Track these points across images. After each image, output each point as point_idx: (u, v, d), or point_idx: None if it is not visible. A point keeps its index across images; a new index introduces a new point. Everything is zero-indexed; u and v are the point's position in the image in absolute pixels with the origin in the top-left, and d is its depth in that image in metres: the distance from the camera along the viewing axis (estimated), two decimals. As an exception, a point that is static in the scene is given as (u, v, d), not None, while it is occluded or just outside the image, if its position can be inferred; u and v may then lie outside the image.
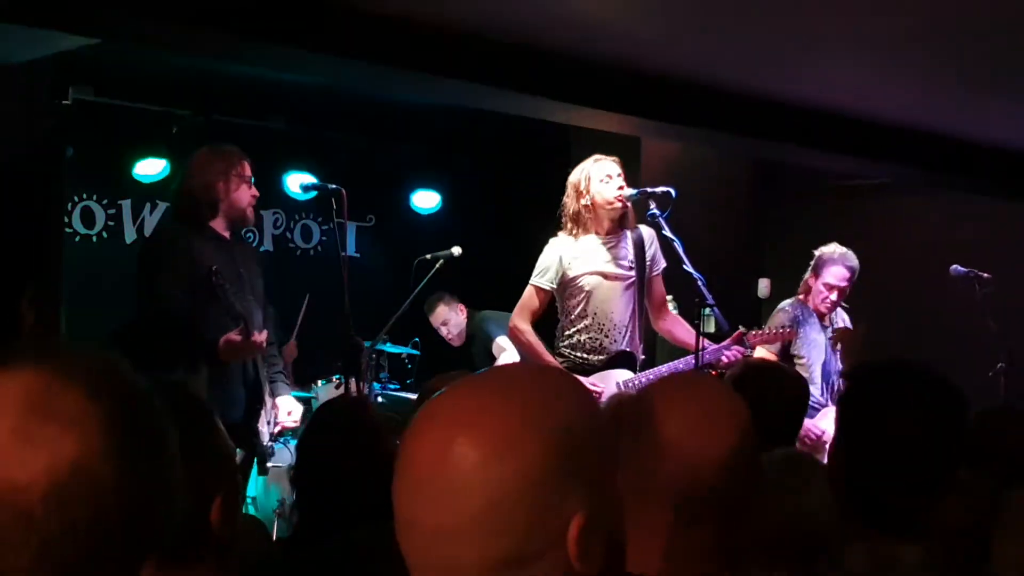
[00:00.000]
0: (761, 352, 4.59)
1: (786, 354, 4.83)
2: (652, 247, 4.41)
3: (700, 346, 4.06)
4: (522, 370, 1.07)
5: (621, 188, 4.25)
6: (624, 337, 4.35)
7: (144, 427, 0.88)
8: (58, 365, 0.87)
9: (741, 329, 4.27)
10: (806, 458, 2.16)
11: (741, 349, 4.24)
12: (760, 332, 4.40)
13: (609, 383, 4.23)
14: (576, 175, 4.32)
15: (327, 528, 2.08)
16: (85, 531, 0.83)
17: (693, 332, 4.14)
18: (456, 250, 5.52)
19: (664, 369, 4.36)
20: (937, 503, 1.64)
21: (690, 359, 4.16)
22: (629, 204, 4.29)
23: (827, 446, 4.57)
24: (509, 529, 0.93)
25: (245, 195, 3.94)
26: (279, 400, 4.04)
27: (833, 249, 4.88)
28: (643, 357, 4.51)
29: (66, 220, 5.95)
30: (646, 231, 4.41)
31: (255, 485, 4.60)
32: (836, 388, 4.96)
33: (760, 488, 1.51)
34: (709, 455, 1.39)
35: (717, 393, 1.50)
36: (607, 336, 4.31)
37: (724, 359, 4.22)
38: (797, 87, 4.36)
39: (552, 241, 4.38)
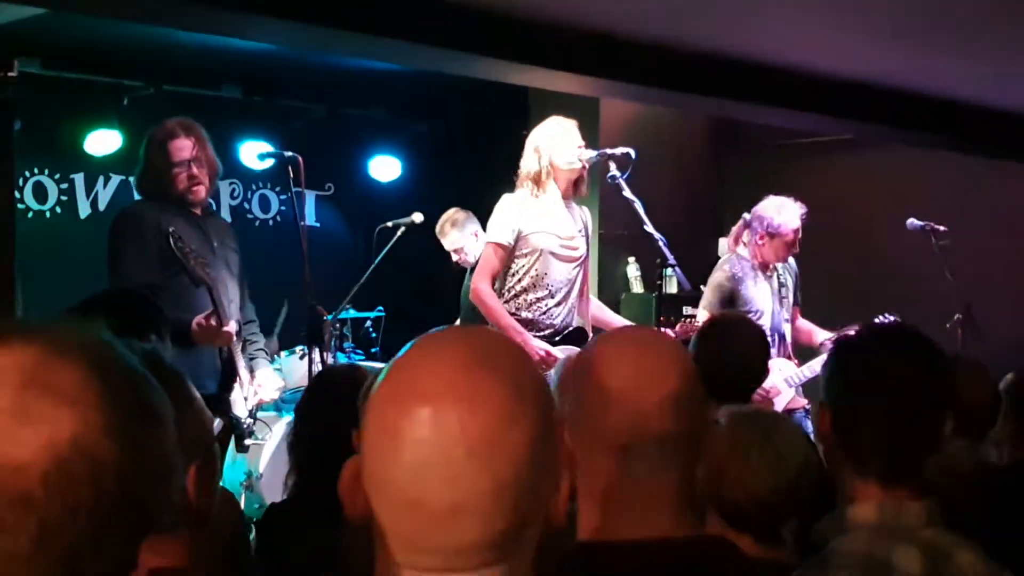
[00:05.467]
0: None
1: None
2: (590, 229, 4.46)
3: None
4: (487, 337, 1.06)
5: (581, 148, 4.24)
6: (570, 306, 4.33)
7: (142, 404, 0.86)
8: (52, 342, 0.83)
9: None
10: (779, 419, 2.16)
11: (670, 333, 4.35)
12: (684, 322, 4.77)
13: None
14: (537, 135, 4.29)
15: (324, 492, 2.07)
16: (86, 512, 0.79)
17: (612, 313, 4.64)
18: (417, 217, 5.50)
19: None
20: (929, 458, 1.67)
21: None
22: (587, 167, 4.28)
23: (776, 400, 4.74)
24: (516, 502, 0.95)
25: (179, 179, 3.88)
26: (259, 373, 4.05)
27: (781, 205, 4.97)
28: (592, 335, 4.52)
29: (18, 196, 5.86)
30: (587, 212, 4.44)
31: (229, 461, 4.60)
32: (785, 340, 5.04)
33: (709, 435, 1.52)
34: (652, 400, 1.39)
35: (656, 341, 1.51)
36: (553, 298, 4.27)
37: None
38: (756, 44, 4.35)
39: (508, 196, 4.31)
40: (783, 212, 4.95)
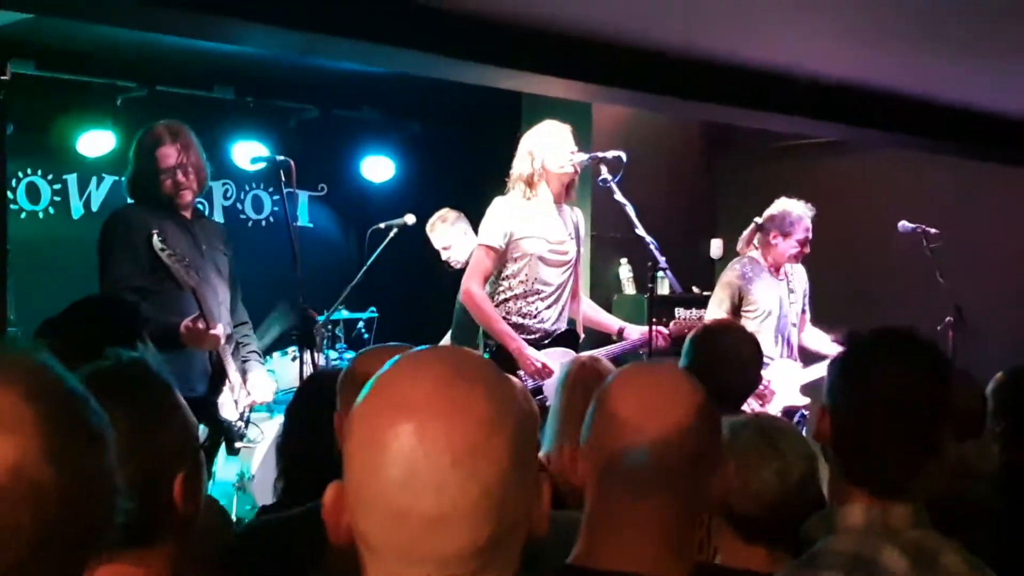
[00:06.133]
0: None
1: (737, 311, 4.96)
2: (582, 231, 4.47)
3: (651, 323, 4.21)
4: (464, 354, 1.09)
5: (573, 153, 4.25)
6: (560, 309, 4.34)
7: (81, 426, 0.86)
8: None
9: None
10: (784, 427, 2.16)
11: (663, 331, 4.34)
12: (677, 320, 4.76)
13: (556, 363, 4.22)
14: (531, 138, 4.30)
15: (313, 495, 2.09)
16: (26, 535, 0.80)
17: (605, 313, 4.69)
18: (410, 218, 5.50)
19: (617, 348, 4.40)
20: (925, 464, 1.66)
21: (635, 339, 4.39)
22: (578, 171, 4.29)
23: (771, 397, 4.75)
24: (500, 508, 0.97)
25: (165, 185, 3.90)
26: (252, 376, 4.04)
27: (794, 205, 5.09)
28: (583, 336, 4.52)
29: (11, 196, 5.86)
30: (578, 214, 4.45)
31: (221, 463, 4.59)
32: (790, 344, 5.09)
33: (722, 463, 1.55)
34: (665, 430, 1.43)
35: (673, 375, 1.55)
36: (543, 302, 4.28)
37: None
38: (748, 49, 4.37)
39: (499, 199, 4.32)
40: (795, 211, 5.06)
